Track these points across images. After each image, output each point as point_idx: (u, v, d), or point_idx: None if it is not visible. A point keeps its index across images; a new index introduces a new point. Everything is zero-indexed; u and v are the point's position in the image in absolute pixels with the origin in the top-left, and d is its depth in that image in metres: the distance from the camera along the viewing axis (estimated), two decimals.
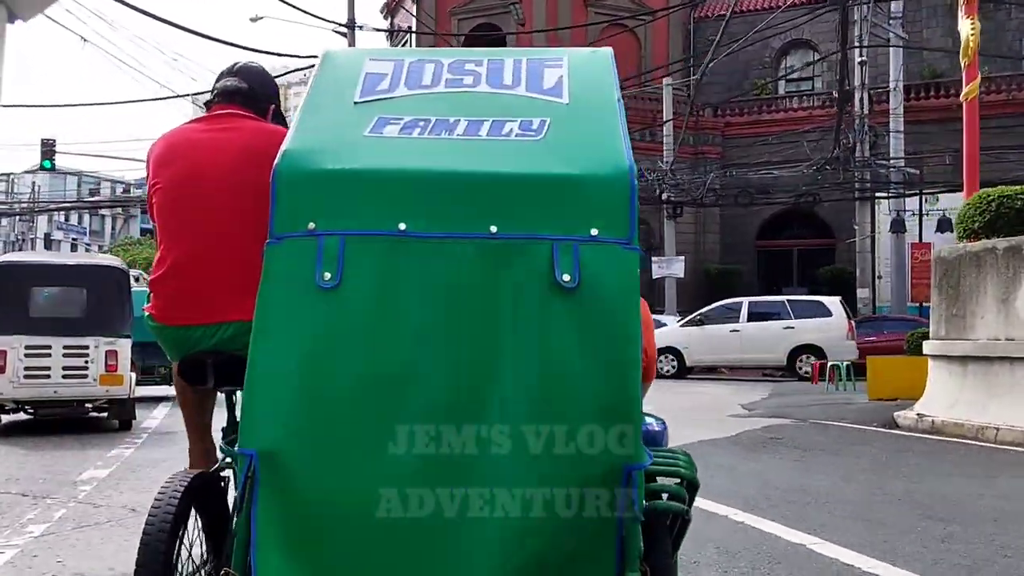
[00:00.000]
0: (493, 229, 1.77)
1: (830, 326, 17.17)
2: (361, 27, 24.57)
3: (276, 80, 2.89)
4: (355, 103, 2.04)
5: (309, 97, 2.06)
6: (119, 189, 59.86)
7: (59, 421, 9.53)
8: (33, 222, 56.10)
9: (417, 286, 1.75)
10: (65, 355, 8.88)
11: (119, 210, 70.31)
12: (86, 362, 8.97)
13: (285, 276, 1.79)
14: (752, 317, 18.03)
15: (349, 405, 1.73)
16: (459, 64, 2.19)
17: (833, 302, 17.68)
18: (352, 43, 24.83)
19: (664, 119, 24.38)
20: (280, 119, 2.73)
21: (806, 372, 17.02)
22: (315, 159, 1.84)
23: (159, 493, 2.05)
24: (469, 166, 1.83)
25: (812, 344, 17.21)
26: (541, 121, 1.94)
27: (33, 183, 50.94)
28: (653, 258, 23.09)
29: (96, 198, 52.15)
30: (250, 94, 2.62)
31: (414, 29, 28.29)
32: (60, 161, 27.08)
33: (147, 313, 2.52)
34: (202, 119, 2.65)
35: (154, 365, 12.90)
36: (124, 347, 9.31)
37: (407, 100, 2.06)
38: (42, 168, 27.62)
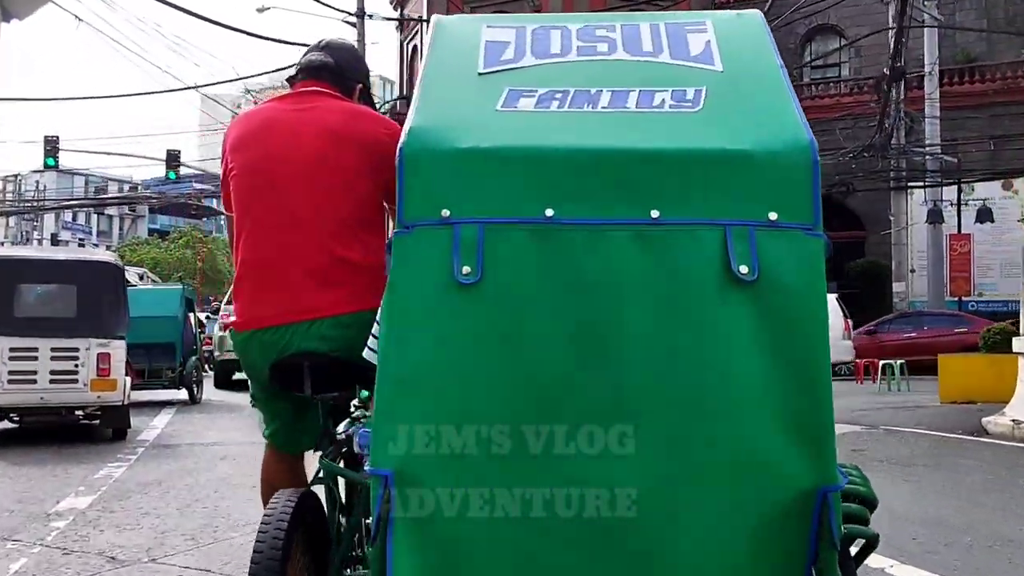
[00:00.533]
0: (655, 214, 1.58)
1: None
2: (371, 16, 23.95)
3: (362, 62, 2.59)
4: (479, 74, 1.85)
5: (427, 69, 1.85)
6: (126, 188, 59.36)
7: (46, 430, 8.66)
8: (36, 221, 55.57)
9: (567, 280, 1.57)
10: (53, 358, 8.10)
11: (127, 210, 70.58)
12: (76, 366, 8.19)
13: (418, 271, 1.59)
14: None
15: (497, 416, 1.54)
16: (589, 30, 1.98)
17: (829, 299, 16.72)
18: (362, 34, 24.23)
19: None
20: (368, 101, 2.49)
21: None
22: (445, 137, 1.64)
23: (266, 515, 1.92)
24: (623, 142, 1.63)
25: None
26: (696, 91, 1.74)
27: (36, 182, 50.46)
28: None
29: (102, 196, 51.51)
30: (336, 70, 2.40)
31: (424, 18, 27.51)
32: (66, 160, 26.42)
33: (229, 329, 2.35)
34: (283, 97, 2.41)
35: (161, 367, 12.38)
36: (118, 349, 8.51)
37: (537, 70, 1.86)
38: (45, 166, 27.04)
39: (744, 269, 1.53)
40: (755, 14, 2.01)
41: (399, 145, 1.62)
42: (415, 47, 30.09)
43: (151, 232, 64.55)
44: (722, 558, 1.52)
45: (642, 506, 1.50)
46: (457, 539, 1.53)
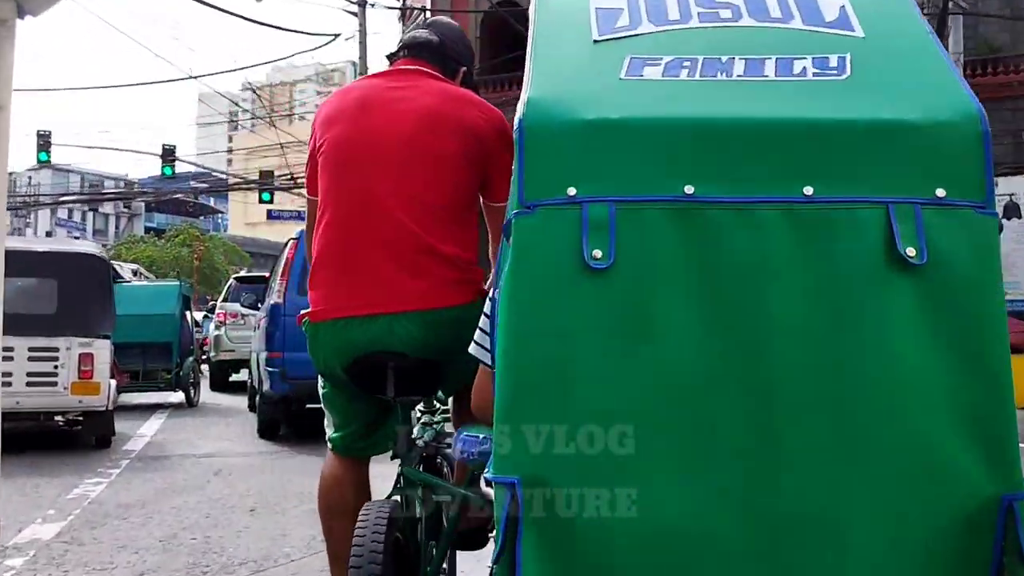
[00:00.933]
0: (808, 191, 1.44)
1: None
2: (373, 4, 23.27)
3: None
4: (594, 42, 1.69)
5: (536, 38, 1.70)
6: (122, 186, 58.73)
7: (23, 437, 7.85)
8: (30, 218, 54.87)
9: (709, 265, 1.41)
10: (30, 359, 7.33)
11: (123, 208, 70.14)
12: (55, 367, 7.42)
13: (542, 256, 1.43)
14: None
15: (632, 415, 1.39)
16: None
17: None
18: (363, 23, 23.56)
19: None
20: (471, 87, 2.34)
21: None
22: (568, 108, 1.50)
23: (359, 529, 1.81)
24: (769, 112, 1.49)
25: None
26: (839, 58, 1.60)
27: (29, 178, 49.78)
28: None
29: (99, 192, 50.90)
30: (440, 50, 2.28)
31: (428, 7, 26.79)
32: (60, 156, 25.84)
33: (303, 320, 2.15)
34: (381, 74, 2.31)
35: (157, 369, 11.75)
36: (102, 349, 7.73)
37: (658, 37, 1.70)
38: (39, 161, 26.35)
39: (911, 251, 1.42)
40: None
41: (517, 118, 1.48)
42: None
43: (147, 230, 64.16)
44: (897, 571, 1.41)
45: (801, 514, 1.39)
46: (595, 548, 1.41)
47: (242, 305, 13.34)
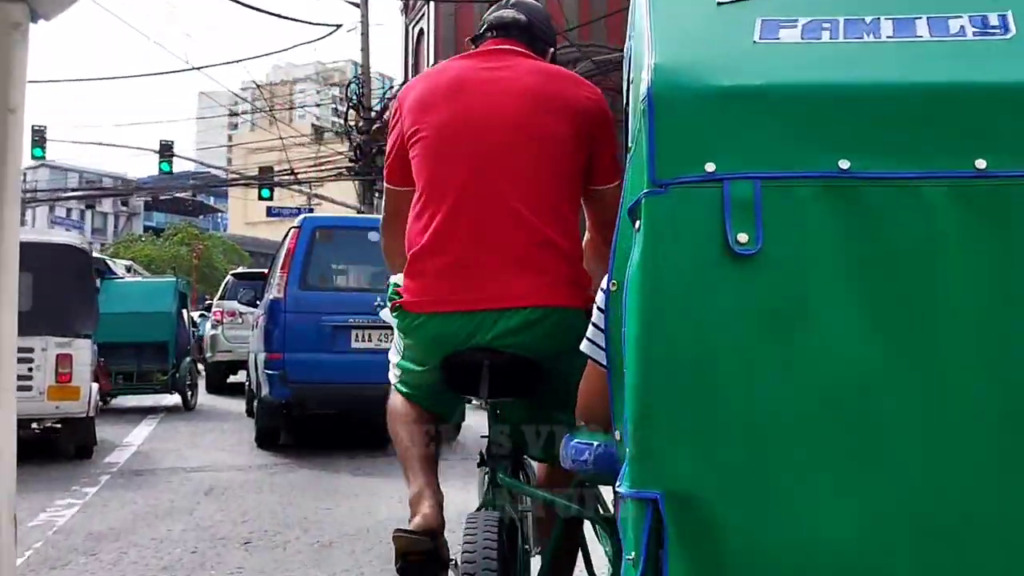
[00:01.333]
0: (980, 164, 1.25)
1: None
2: None
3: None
4: (718, 4, 1.50)
5: (652, 2, 1.49)
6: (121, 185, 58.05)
7: None
8: (25, 215, 54.23)
9: (869, 249, 1.25)
10: None
11: (121, 206, 69.64)
12: (30, 369, 6.65)
13: (678, 240, 1.26)
14: None
15: (791, 422, 1.22)
16: None
17: None
18: (365, 15, 22.88)
19: None
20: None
21: None
22: (701, 75, 1.33)
23: (469, 536, 1.76)
24: (931, 76, 1.31)
25: None
26: (1000, 16, 1.39)
27: (24, 174, 49.16)
28: None
29: (96, 188, 50.30)
30: (529, 29, 2.13)
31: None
32: (56, 152, 25.13)
33: (395, 306, 2.02)
34: (472, 55, 2.14)
35: (152, 370, 11.06)
36: (82, 350, 6.97)
37: None
38: (33, 157, 25.63)
39: None
40: None
41: (646, 88, 1.32)
42: (421, 31, 28.56)
43: (146, 229, 63.75)
44: None
45: (980, 534, 1.20)
46: (750, 572, 1.22)
47: (239, 302, 12.61)
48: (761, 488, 1.22)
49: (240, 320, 12.53)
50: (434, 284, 1.95)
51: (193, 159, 35.16)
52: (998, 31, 1.37)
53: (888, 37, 1.38)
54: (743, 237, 1.24)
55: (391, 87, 26.90)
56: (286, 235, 7.50)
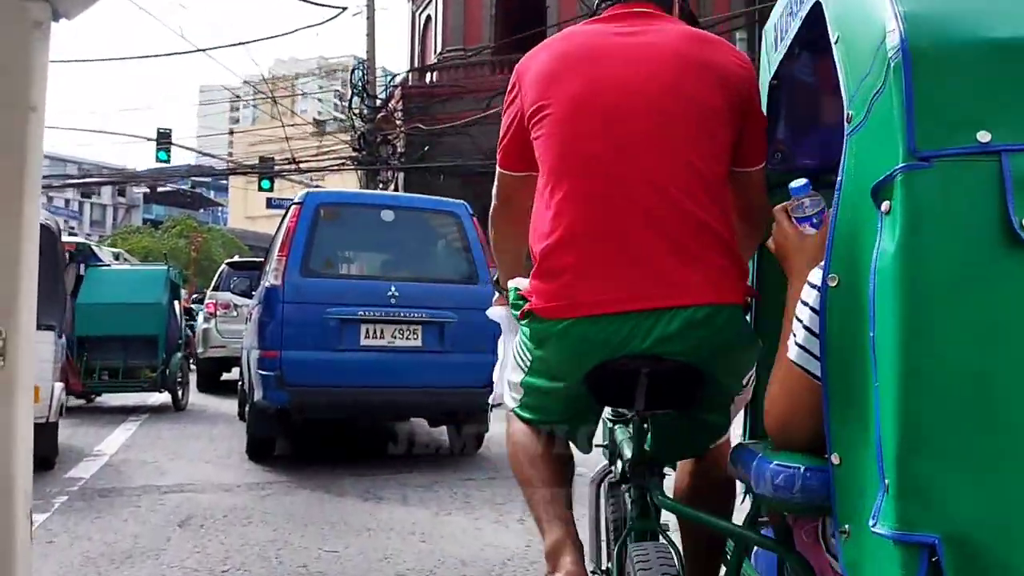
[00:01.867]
0: None
1: None
2: None
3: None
4: None
5: None
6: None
7: None
8: None
9: None
10: None
11: (120, 198, 68.76)
12: None
13: (947, 225, 1.05)
14: None
15: None
16: None
17: None
18: (371, 14, 21.93)
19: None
20: (691, 20, 1.92)
21: None
22: (969, 25, 1.11)
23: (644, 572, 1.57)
24: None
25: None
26: None
27: None
28: None
29: (92, 178, 49.35)
30: None
31: None
32: (53, 140, 24.18)
33: (525, 313, 1.73)
34: (603, 18, 1.85)
35: (140, 366, 10.12)
36: (44, 344, 5.89)
37: None
38: None
39: None
40: None
41: (897, 40, 1.10)
42: (428, 17, 27.54)
43: (145, 222, 63.05)
44: None
45: None
46: None
47: (233, 292, 11.56)
48: None
49: (235, 313, 11.52)
50: (575, 284, 1.66)
51: (193, 148, 33.96)
52: None
53: None
54: None
55: (393, 79, 25.99)
56: (285, 213, 6.41)
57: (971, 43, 1.10)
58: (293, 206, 6.14)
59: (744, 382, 1.77)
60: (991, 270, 1.05)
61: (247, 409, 6.61)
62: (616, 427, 2.18)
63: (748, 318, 1.76)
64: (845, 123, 1.22)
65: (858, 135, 1.19)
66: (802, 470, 1.29)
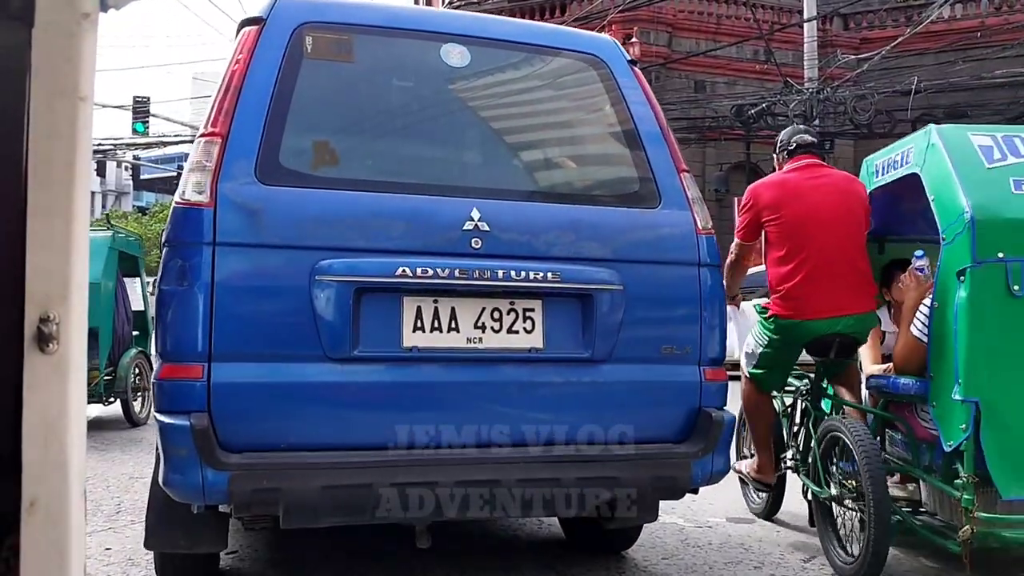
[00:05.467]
0: None
1: None
2: None
3: None
4: (987, 168, 3.38)
5: (955, 164, 3.43)
6: (112, 165, 53.66)
7: None
8: None
9: None
10: None
11: (111, 187, 65.75)
12: None
13: (984, 287, 3.20)
14: None
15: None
16: None
17: None
18: None
19: (805, 19, 18.07)
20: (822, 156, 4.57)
21: None
22: (997, 209, 3.25)
23: (862, 435, 3.57)
24: None
25: None
26: None
27: None
28: None
29: None
30: (819, 145, 4.35)
31: None
32: None
33: (771, 316, 3.96)
34: (799, 169, 4.03)
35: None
36: None
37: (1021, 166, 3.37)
38: None
39: None
40: None
41: (969, 216, 3.18)
42: None
43: (136, 209, 60.38)
44: None
45: None
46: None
47: None
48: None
49: None
50: (804, 303, 3.82)
51: (181, 121, 30.37)
52: None
53: None
54: (1016, 287, 3.12)
55: None
56: (238, 32, 2.86)
57: (1006, 219, 3.18)
58: (247, 31, 2.76)
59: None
60: (1001, 309, 3.14)
61: (148, 495, 2.93)
62: (794, 380, 4.42)
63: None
64: (941, 240, 3.32)
65: (948, 247, 3.27)
66: (915, 382, 3.53)
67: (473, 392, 2.67)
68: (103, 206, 65.22)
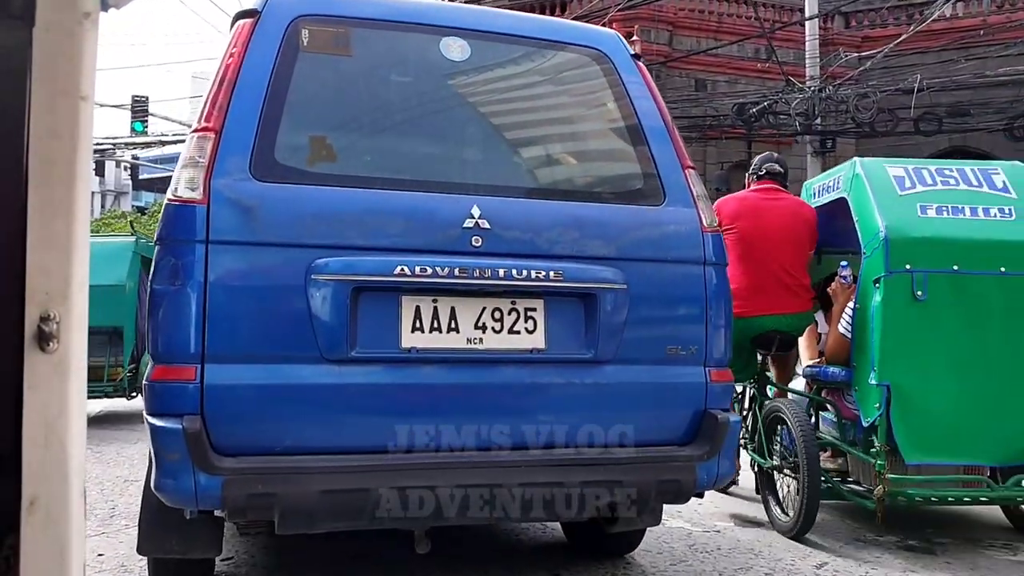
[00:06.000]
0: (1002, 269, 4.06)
1: None
2: None
3: None
4: (899, 196, 4.26)
5: (873, 192, 4.34)
6: (111, 165, 53.68)
7: None
8: None
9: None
10: None
11: (111, 187, 65.71)
12: None
13: (895, 292, 4.03)
14: None
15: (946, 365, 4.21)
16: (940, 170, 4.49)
17: None
18: None
19: (806, 16, 17.96)
20: (783, 183, 5.15)
21: None
22: (903, 229, 4.10)
23: (796, 415, 4.51)
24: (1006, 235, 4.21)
25: None
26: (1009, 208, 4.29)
27: None
28: None
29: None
30: (782, 175, 5.03)
31: None
32: None
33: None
34: (760, 191, 4.94)
35: (101, 366, 8.37)
36: None
37: (929, 194, 4.26)
38: None
39: None
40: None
41: (883, 235, 4.04)
42: None
43: (135, 209, 60.25)
44: None
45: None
46: (927, 424, 4.08)
47: None
48: (930, 382, 4.03)
49: None
50: (750, 304, 4.54)
51: (180, 120, 30.38)
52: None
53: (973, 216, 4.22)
54: (919, 293, 3.97)
55: None
56: (232, 25, 2.81)
57: (912, 237, 4.06)
58: (241, 23, 2.73)
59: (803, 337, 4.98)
60: (908, 310, 4.01)
61: (141, 500, 2.88)
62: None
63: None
64: (863, 254, 4.22)
65: (868, 259, 4.15)
66: (841, 371, 4.37)
67: (473, 394, 2.63)
68: (102, 206, 65.24)
